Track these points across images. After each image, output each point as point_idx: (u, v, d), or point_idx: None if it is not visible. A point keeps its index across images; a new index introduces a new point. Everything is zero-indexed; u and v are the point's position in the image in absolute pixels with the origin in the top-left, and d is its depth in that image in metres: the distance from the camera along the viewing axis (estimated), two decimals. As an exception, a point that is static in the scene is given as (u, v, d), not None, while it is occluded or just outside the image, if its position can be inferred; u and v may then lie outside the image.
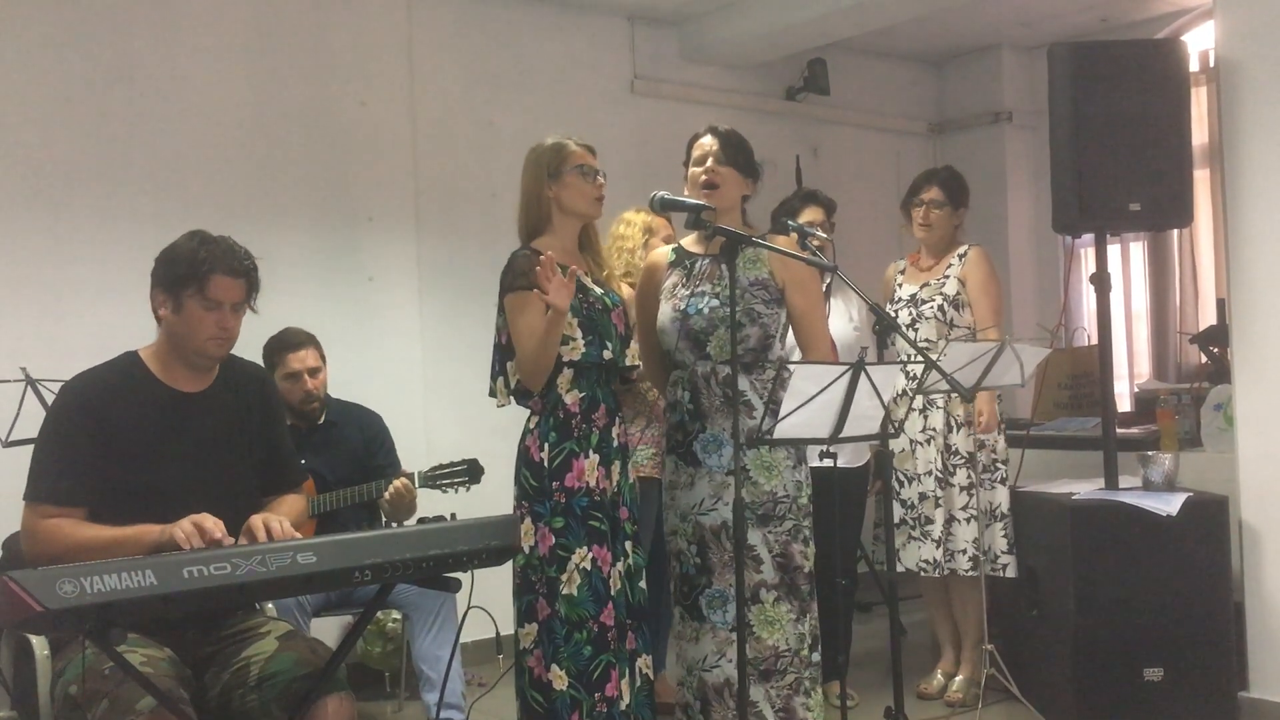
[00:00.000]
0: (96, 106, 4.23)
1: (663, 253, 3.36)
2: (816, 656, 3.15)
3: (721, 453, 3.11)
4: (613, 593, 3.03)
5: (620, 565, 3.08)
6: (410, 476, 3.65)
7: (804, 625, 3.12)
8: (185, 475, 2.50)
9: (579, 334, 3.02)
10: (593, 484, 3.03)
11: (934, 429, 4.12)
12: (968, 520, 4.06)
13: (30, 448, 2.52)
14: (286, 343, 3.86)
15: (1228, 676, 3.73)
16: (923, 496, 4.13)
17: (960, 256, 4.24)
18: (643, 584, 3.18)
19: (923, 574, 4.15)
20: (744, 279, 3.14)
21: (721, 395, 3.11)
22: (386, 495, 3.62)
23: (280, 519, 2.39)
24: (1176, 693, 3.67)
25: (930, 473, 4.12)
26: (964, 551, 4.05)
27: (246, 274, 2.54)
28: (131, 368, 2.55)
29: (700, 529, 3.13)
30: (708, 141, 3.22)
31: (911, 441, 4.16)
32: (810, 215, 4.20)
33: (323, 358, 3.94)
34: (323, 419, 3.94)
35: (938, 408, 4.12)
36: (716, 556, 3.10)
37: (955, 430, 4.10)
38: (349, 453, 3.90)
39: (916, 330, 4.17)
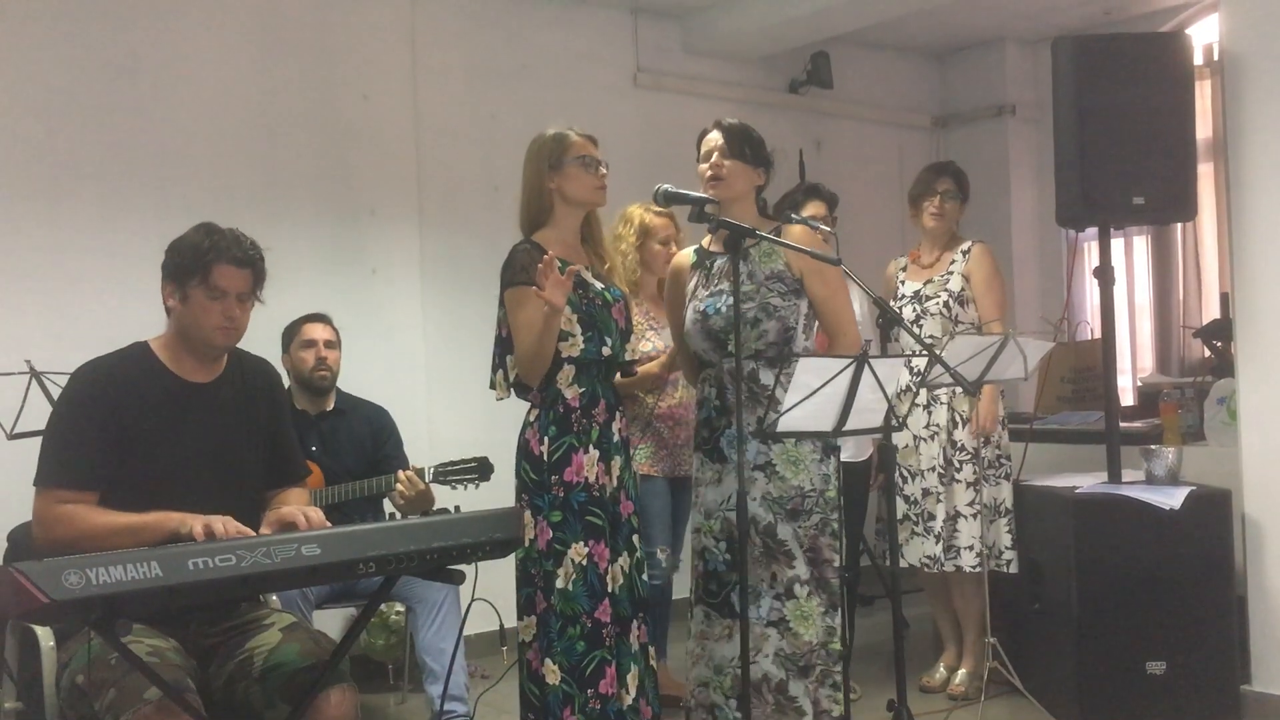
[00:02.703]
0: (100, 99, 4.23)
1: (686, 255, 3.38)
2: (836, 646, 3.16)
3: (746, 448, 3.11)
4: (613, 589, 3.02)
5: (624, 560, 3.08)
6: (420, 472, 3.65)
7: (832, 619, 3.13)
8: (192, 464, 2.52)
9: (578, 330, 3.02)
10: (592, 479, 3.03)
11: (938, 425, 4.12)
12: (973, 516, 4.06)
13: (36, 440, 2.53)
14: (304, 317, 3.99)
15: (1230, 670, 3.73)
16: (925, 492, 4.12)
17: (964, 253, 4.23)
18: (645, 576, 3.18)
19: (925, 570, 4.15)
20: (760, 272, 3.16)
21: (746, 390, 3.11)
22: (399, 488, 3.61)
23: (316, 510, 2.42)
24: (1179, 686, 3.67)
25: (933, 469, 4.11)
26: (970, 548, 4.05)
27: (252, 264, 2.54)
28: (141, 357, 2.56)
29: (729, 525, 3.11)
30: (713, 136, 3.23)
31: (915, 437, 4.16)
32: (813, 209, 4.19)
33: (339, 341, 4.02)
34: (331, 405, 3.96)
35: (941, 403, 4.12)
36: (747, 551, 3.09)
37: (960, 426, 4.09)
38: (355, 444, 3.91)
39: (921, 326, 4.16)
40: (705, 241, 3.34)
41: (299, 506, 2.47)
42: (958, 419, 4.10)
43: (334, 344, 3.98)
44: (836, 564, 3.13)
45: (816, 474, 3.13)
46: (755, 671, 3.06)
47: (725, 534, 3.13)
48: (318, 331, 3.95)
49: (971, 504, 4.06)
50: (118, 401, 2.46)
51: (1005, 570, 4.10)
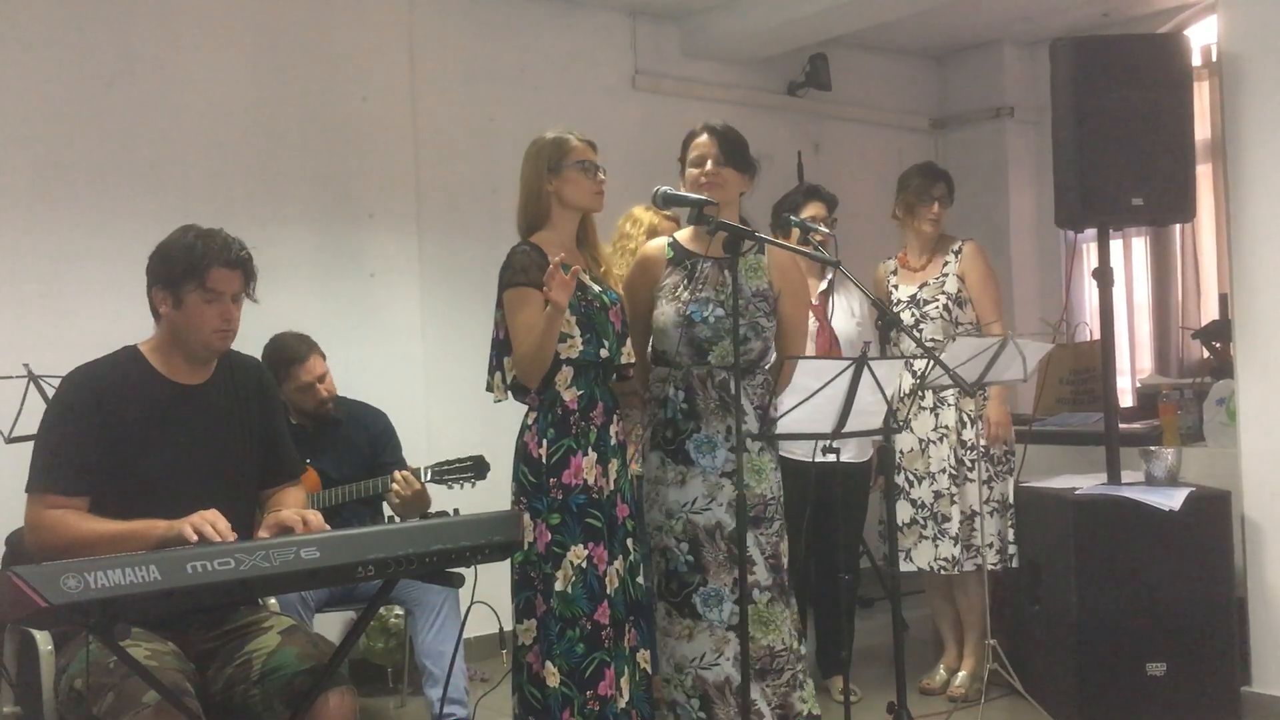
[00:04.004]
0: (97, 103, 4.23)
1: (658, 246, 3.34)
2: (804, 648, 3.22)
3: (715, 454, 3.14)
4: (609, 591, 3.02)
5: (620, 563, 3.08)
6: (416, 472, 3.65)
7: (791, 622, 3.19)
8: (185, 466, 2.52)
9: (576, 332, 3.02)
10: (590, 481, 3.03)
11: (946, 426, 4.12)
12: (990, 514, 4.07)
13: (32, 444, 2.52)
14: (290, 356, 3.80)
15: (1230, 672, 3.73)
16: (937, 495, 4.12)
17: (955, 252, 4.24)
18: (641, 579, 3.18)
19: (942, 572, 4.14)
20: (746, 289, 3.18)
21: (718, 398, 3.13)
22: (395, 487, 3.61)
23: (315, 513, 2.42)
24: (1179, 688, 3.67)
25: (943, 470, 4.11)
26: (990, 545, 4.06)
27: (243, 264, 2.55)
28: (131, 361, 2.56)
29: (693, 527, 3.14)
30: (705, 141, 3.22)
31: (921, 440, 4.16)
32: (813, 211, 4.20)
33: (324, 357, 3.92)
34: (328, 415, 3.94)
35: (949, 405, 4.12)
36: (711, 555, 3.13)
37: (969, 426, 4.09)
38: (355, 452, 3.89)
39: (921, 330, 4.16)
40: (682, 236, 3.32)
41: (297, 510, 2.47)
42: (966, 419, 4.10)
43: (325, 374, 3.88)
44: (786, 567, 3.21)
45: (774, 482, 3.20)
46: (718, 674, 3.11)
47: (688, 535, 3.15)
48: (312, 370, 3.82)
49: (988, 501, 4.07)
50: (108, 406, 2.47)
51: (1010, 565, 4.11)
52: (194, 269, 2.49)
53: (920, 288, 4.24)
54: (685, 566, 3.14)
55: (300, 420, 3.87)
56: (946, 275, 4.21)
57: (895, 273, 4.35)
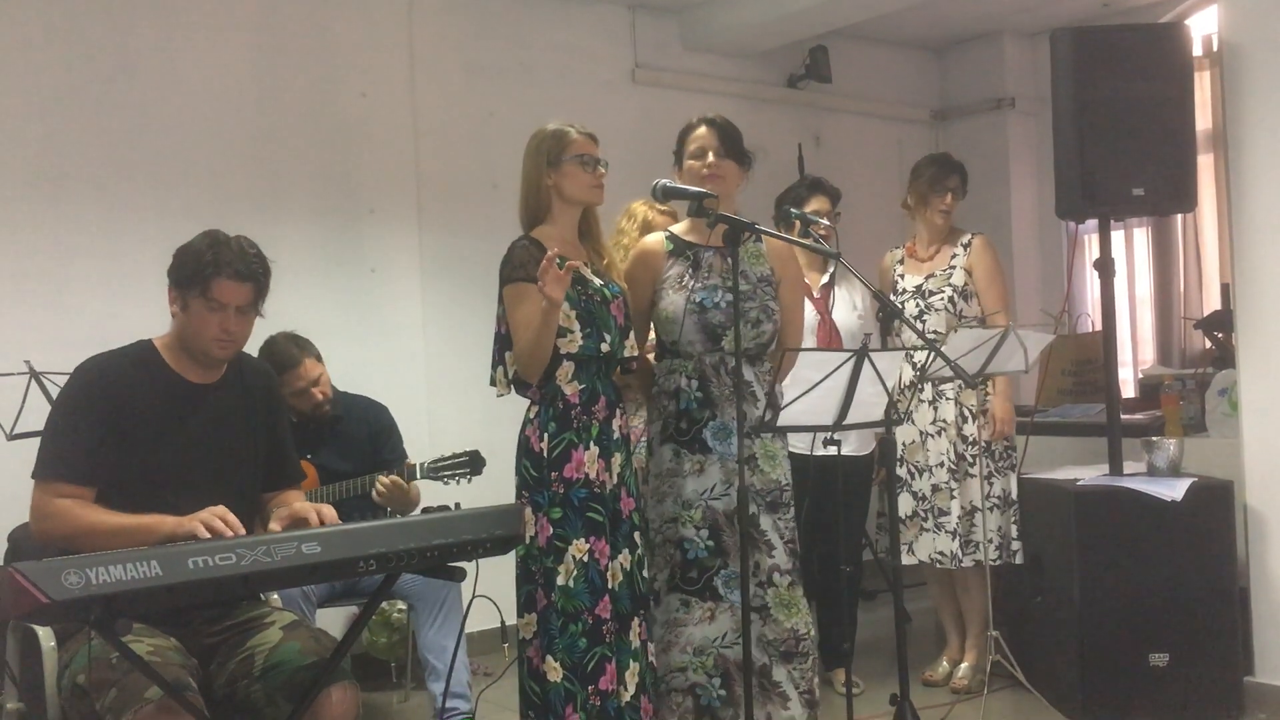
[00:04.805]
0: (98, 100, 4.23)
1: (657, 240, 3.34)
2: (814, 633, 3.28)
3: (730, 440, 3.14)
4: (613, 586, 3.02)
5: (625, 557, 3.08)
6: (412, 468, 3.65)
7: (808, 607, 3.24)
8: (191, 463, 2.52)
9: (577, 326, 3.00)
10: (592, 476, 3.02)
11: (945, 420, 4.11)
12: (991, 509, 4.07)
13: (35, 441, 2.53)
14: (283, 362, 3.73)
15: (1233, 662, 3.73)
16: (935, 489, 4.12)
17: (964, 246, 4.23)
18: (646, 573, 3.18)
19: (939, 566, 4.14)
20: (752, 274, 3.20)
21: (731, 384, 3.14)
22: (381, 490, 3.60)
23: (328, 508, 2.43)
24: (1182, 678, 3.68)
25: (942, 464, 4.11)
26: (990, 541, 4.06)
27: (254, 278, 2.53)
28: (145, 355, 2.57)
29: (712, 513, 3.16)
30: (704, 134, 3.23)
31: (922, 433, 4.15)
32: (816, 205, 4.20)
33: (319, 358, 3.88)
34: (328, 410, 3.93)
35: (948, 399, 4.11)
36: (730, 539, 3.15)
37: (970, 420, 4.09)
38: (356, 447, 3.89)
39: (925, 322, 4.15)
40: (679, 229, 3.33)
41: (312, 504, 2.47)
42: (967, 414, 4.09)
43: (319, 375, 3.84)
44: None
45: (786, 468, 3.24)
46: (738, 653, 3.11)
47: (707, 522, 3.16)
48: (306, 375, 3.78)
49: (989, 496, 4.07)
50: (119, 398, 2.47)
51: (1013, 561, 4.11)
52: (200, 277, 2.48)
53: (926, 279, 4.24)
54: (706, 552, 3.15)
55: (299, 418, 3.87)
56: (954, 268, 4.20)
57: (902, 262, 4.34)
